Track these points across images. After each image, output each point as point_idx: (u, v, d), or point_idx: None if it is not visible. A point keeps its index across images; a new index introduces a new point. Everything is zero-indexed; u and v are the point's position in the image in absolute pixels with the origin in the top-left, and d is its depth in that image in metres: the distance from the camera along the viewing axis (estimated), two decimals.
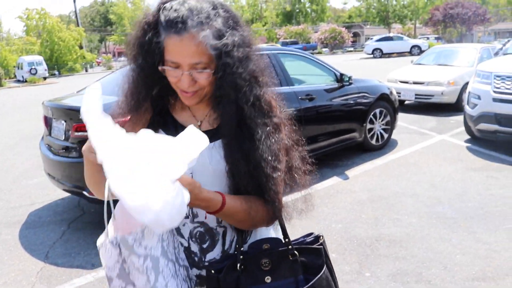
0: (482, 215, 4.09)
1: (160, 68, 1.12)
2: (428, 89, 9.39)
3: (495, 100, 5.94)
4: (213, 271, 1.14)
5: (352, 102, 6.04)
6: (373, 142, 6.47)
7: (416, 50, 33.89)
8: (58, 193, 5.14)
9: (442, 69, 9.91)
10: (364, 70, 20.64)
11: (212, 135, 1.12)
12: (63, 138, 4.16)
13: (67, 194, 4.96)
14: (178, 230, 1.23)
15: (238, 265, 1.14)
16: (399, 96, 8.38)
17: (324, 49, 47.11)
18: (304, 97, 5.33)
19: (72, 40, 40.10)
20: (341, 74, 5.98)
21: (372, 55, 35.42)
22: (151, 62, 1.12)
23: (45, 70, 33.09)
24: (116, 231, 0.99)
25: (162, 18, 1.06)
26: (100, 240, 1.00)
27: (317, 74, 6.06)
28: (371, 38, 40.91)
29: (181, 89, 1.13)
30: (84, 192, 3.90)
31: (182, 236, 1.23)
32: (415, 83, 9.65)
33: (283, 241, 1.21)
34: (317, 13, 64.69)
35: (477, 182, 5.00)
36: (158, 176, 0.87)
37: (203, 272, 1.23)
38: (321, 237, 1.26)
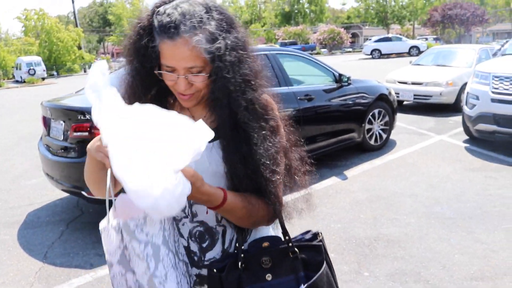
0: (481, 215, 4.10)
1: (156, 72, 1.12)
2: (426, 89, 9.41)
3: (493, 100, 5.95)
4: (215, 270, 1.14)
5: (351, 102, 6.04)
6: (372, 142, 6.48)
7: (414, 51, 33.95)
8: (56, 193, 5.14)
9: (440, 70, 9.93)
10: (363, 70, 20.65)
11: None
12: (62, 138, 4.16)
13: (65, 194, 4.96)
14: (177, 229, 1.23)
15: (240, 263, 1.14)
16: (397, 97, 8.39)
17: (323, 50, 47.14)
18: (303, 98, 5.34)
19: (71, 41, 40.11)
20: (340, 75, 5.99)
21: (370, 56, 35.46)
22: (149, 66, 1.13)
23: (44, 70, 33.08)
24: (118, 218, 1.00)
25: (156, 23, 1.06)
26: (103, 224, 1.00)
27: (316, 74, 6.07)
28: (370, 39, 40.98)
29: (178, 91, 1.13)
30: (83, 192, 3.90)
31: (182, 236, 1.24)
32: (413, 83, 9.67)
33: (283, 239, 1.22)
34: (316, 13, 64.73)
35: (476, 182, 5.01)
36: (161, 164, 0.88)
37: (203, 272, 1.23)
38: (320, 234, 1.26)
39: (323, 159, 5.90)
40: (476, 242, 3.59)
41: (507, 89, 5.83)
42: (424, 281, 3.06)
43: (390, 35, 40.03)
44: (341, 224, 4.06)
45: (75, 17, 49.25)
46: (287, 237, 1.21)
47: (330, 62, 6.78)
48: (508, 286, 2.95)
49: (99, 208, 4.70)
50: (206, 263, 1.23)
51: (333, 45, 48.01)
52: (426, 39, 44.63)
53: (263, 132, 1.12)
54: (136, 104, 0.95)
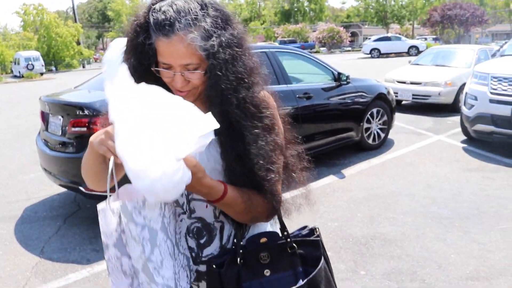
0: (477, 215, 4.11)
1: (153, 69, 1.12)
2: (425, 89, 9.42)
3: (491, 101, 5.96)
4: (214, 266, 1.15)
5: (349, 101, 6.05)
6: (370, 141, 6.48)
7: (414, 51, 33.99)
8: (54, 189, 5.13)
9: (439, 70, 9.94)
10: (362, 70, 20.67)
11: None
12: (60, 133, 4.15)
13: (63, 190, 4.96)
14: None
15: (238, 259, 1.14)
16: (396, 96, 8.40)
17: (322, 48, 47.16)
18: (301, 96, 5.34)
19: (70, 36, 40.05)
20: (339, 73, 5.99)
21: (370, 55, 35.48)
22: (146, 63, 1.13)
23: (42, 65, 33.01)
24: (117, 201, 1.00)
25: (151, 20, 1.06)
26: (101, 205, 1.00)
27: (315, 73, 6.07)
28: (369, 38, 40.97)
29: (175, 88, 1.14)
30: (81, 188, 3.90)
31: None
32: (412, 83, 9.68)
33: (281, 235, 1.22)
34: (316, 12, 64.69)
35: (473, 182, 5.02)
36: (164, 148, 0.89)
37: (200, 268, 1.24)
38: (317, 229, 1.27)
39: (321, 158, 5.91)
40: (472, 242, 3.60)
41: (505, 90, 5.85)
42: (420, 280, 3.07)
43: (389, 35, 40.05)
44: (338, 222, 4.07)
45: (74, 13, 49.18)
46: (285, 233, 1.21)
47: (329, 61, 6.78)
48: (503, 286, 2.96)
49: (96, 204, 4.69)
50: (203, 259, 1.24)
51: (332, 43, 48.03)
52: (426, 39, 44.69)
53: (256, 131, 1.11)
54: (149, 85, 0.96)
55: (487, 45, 14.11)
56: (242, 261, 1.15)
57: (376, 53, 35.17)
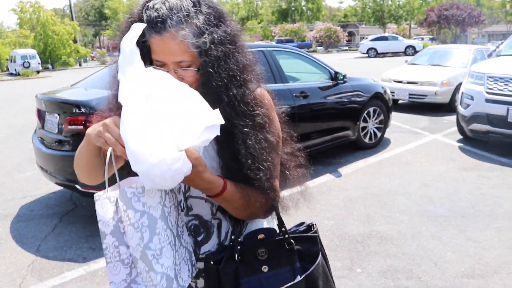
0: (473, 213, 4.13)
1: (147, 67, 1.12)
2: (421, 89, 9.44)
3: (487, 101, 5.99)
4: (212, 263, 1.15)
5: (346, 100, 6.06)
6: (366, 140, 6.50)
7: (410, 50, 34.06)
8: (50, 187, 5.12)
9: (436, 70, 9.97)
10: (359, 69, 20.70)
11: None
12: (56, 131, 4.14)
13: (59, 188, 4.95)
14: None
15: (236, 255, 1.15)
16: (393, 96, 8.41)
17: (319, 48, 47.19)
18: (298, 95, 5.34)
19: (66, 34, 39.88)
20: (336, 72, 5.99)
21: (366, 55, 35.54)
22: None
23: (39, 63, 32.87)
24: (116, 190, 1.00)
25: (145, 18, 1.06)
26: (99, 194, 1.00)
27: (312, 72, 6.08)
28: (366, 38, 41.02)
29: None
30: (77, 186, 3.89)
31: None
32: (409, 82, 9.70)
33: (279, 231, 1.22)
34: (313, 11, 64.74)
35: (469, 181, 5.04)
36: (167, 136, 0.90)
37: (198, 265, 1.24)
38: (314, 225, 1.27)
39: (317, 157, 5.92)
40: (467, 240, 3.62)
41: (501, 90, 5.87)
42: (416, 278, 3.08)
43: (386, 34, 40.12)
44: (335, 221, 4.08)
45: (71, 11, 49.01)
46: (283, 229, 1.22)
47: (326, 60, 6.79)
48: (498, 283, 2.98)
49: (93, 202, 4.67)
50: (201, 256, 1.24)
51: (329, 43, 48.04)
52: (422, 39, 44.76)
53: (246, 129, 1.10)
54: (158, 70, 0.97)
55: (483, 45, 14.16)
56: (240, 257, 1.15)
57: (373, 53, 35.22)
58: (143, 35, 1.08)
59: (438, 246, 3.54)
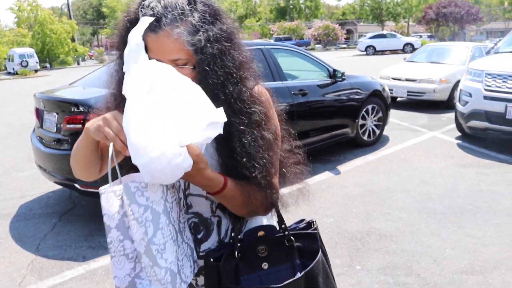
0: (472, 210, 4.14)
1: None
2: (420, 86, 9.45)
3: (486, 98, 6.00)
4: (211, 260, 1.15)
5: (344, 98, 6.06)
6: (365, 138, 6.50)
7: (409, 48, 34.05)
8: (49, 186, 5.12)
9: (434, 67, 9.98)
10: (357, 67, 20.70)
11: None
12: (55, 130, 4.14)
13: (58, 187, 4.94)
14: None
15: (236, 253, 1.15)
16: (391, 93, 8.42)
17: (317, 46, 47.15)
18: (297, 92, 5.35)
19: (64, 33, 39.76)
20: (334, 70, 6.00)
21: (365, 52, 35.52)
22: None
23: (37, 62, 32.77)
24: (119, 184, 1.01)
25: (140, 16, 1.07)
26: (104, 188, 1.00)
27: (310, 69, 6.08)
28: (365, 35, 41.02)
29: None
30: (76, 185, 3.89)
31: None
32: (407, 80, 9.71)
33: (279, 228, 1.23)
34: (311, 9, 64.70)
35: (467, 178, 5.05)
36: (169, 130, 0.90)
37: (198, 262, 1.24)
38: (314, 222, 1.28)
39: (316, 154, 5.93)
40: (466, 236, 3.63)
41: (499, 87, 5.88)
42: (415, 275, 3.09)
43: (384, 32, 40.06)
44: (334, 218, 4.09)
45: (68, 9, 48.87)
46: (283, 225, 1.22)
47: (324, 58, 6.78)
48: (497, 279, 2.99)
49: (92, 201, 4.69)
50: (201, 254, 1.24)
51: (327, 41, 48.00)
52: (421, 36, 44.80)
53: (242, 127, 1.10)
54: (163, 64, 0.97)
55: (481, 43, 14.17)
56: (240, 254, 1.15)
57: (371, 50, 35.21)
58: None
59: (437, 242, 3.55)
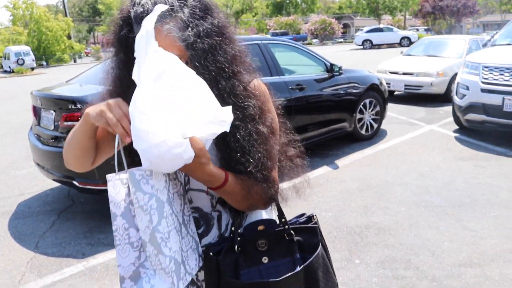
0: (469, 203, 4.16)
1: None
2: (417, 79, 9.46)
3: (483, 90, 6.00)
4: (211, 254, 1.15)
5: (342, 92, 6.06)
6: (363, 132, 6.51)
7: (405, 42, 34.08)
8: (47, 183, 5.11)
9: (431, 60, 9.98)
10: (354, 61, 20.68)
11: None
12: (52, 128, 4.13)
13: (56, 184, 4.94)
14: None
15: (236, 247, 1.15)
16: (388, 87, 8.42)
17: (314, 40, 47.10)
18: (294, 87, 5.34)
19: (60, 30, 39.60)
20: (331, 64, 5.99)
21: (362, 46, 35.53)
22: (132, 57, 1.13)
23: (33, 60, 32.66)
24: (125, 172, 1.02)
25: (132, 14, 1.07)
26: (111, 175, 1.01)
27: (308, 64, 6.07)
28: (361, 29, 40.98)
29: None
30: (74, 182, 3.89)
31: None
32: (404, 74, 9.71)
33: (279, 222, 1.23)
34: (307, 4, 64.50)
35: (465, 171, 5.07)
36: (173, 121, 0.91)
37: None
38: (314, 216, 1.28)
39: (314, 149, 5.93)
40: (464, 229, 3.64)
41: (496, 79, 5.89)
42: (414, 268, 3.10)
43: (381, 26, 40.08)
44: (332, 212, 4.10)
45: (64, 7, 48.65)
46: (283, 219, 1.22)
47: (321, 53, 6.78)
48: (495, 272, 3.01)
49: (91, 198, 4.69)
50: (202, 249, 1.24)
51: (324, 35, 47.96)
52: (417, 29, 44.78)
53: (236, 122, 1.09)
54: (172, 55, 0.98)
55: (478, 35, 14.17)
56: (240, 248, 1.15)
57: (368, 44, 35.21)
58: (132, 30, 1.09)
59: (435, 235, 3.56)
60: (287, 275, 1.13)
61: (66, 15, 44.46)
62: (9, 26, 45.93)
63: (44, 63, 37.35)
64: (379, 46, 35.10)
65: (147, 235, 0.99)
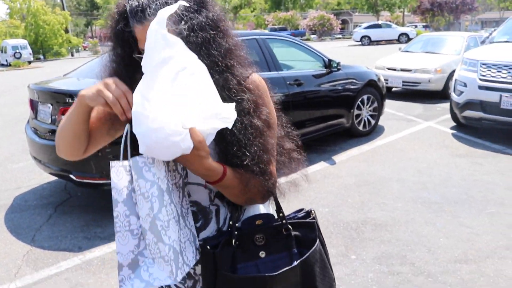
0: (466, 200, 4.17)
1: (135, 56, 1.13)
2: (415, 76, 9.46)
3: (480, 87, 6.01)
4: (208, 247, 1.15)
5: (340, 88, 6.06)
6: (360, 128, 6.51)
7: (404, 38, 34.03)
8: (44, 177, 5.10)
9: (429, 57, 9.98)
10: (352, 57, 20.67)
11: None
12: (50, 121, 4.12)
13: (53, 178, 4.93)
14: None
15: (233, 240, 1.15)
16: (386, 83, 8.43)
17: (312, 36, 47.00)
18: (292, 83, 5.34)
19: (58, 24, 39.42)
20: (330, 60, 5.98)
21: (360, 42, 35.47)
22: (129, 51, 1.13)
23: (30, 54, 32.56)
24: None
25: (127, 8, 1.07)
26: (115, 162, 1.01)
27: (306, 59, 6.06)
28: (360, 26, 40.93)
29: None
30: (71, 176, 3.89)
31: None
32: (402, 70, 9.71)
33: (277, 216, 1.23)
34: None
35: (462, 168, 5.08)
36: (175, 109, 0.92)
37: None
38: (312, 211, 1.28)
39: (311, 144, 5.93)
40: (461, 226, 3.65)
41: (494, 77, 5.89)
42: (410, 264, 3.11)
43: (380, 22, 40.02)
44: (329, 208, 4.10)
45: (62, 0, 48.37)
46: (281, 214, 1.22)
47: (319, 48, 6.77)
48: (491, 268, 3.02)
49: (87, 192, 4.69)
50: (199, 242, 1.24)
51: (323, 31, 47.86)
52: (416, 26, 44.71)
53: None
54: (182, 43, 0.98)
55: (476, 33, 14.17)
56: (237, 242, 1.15)
57: (366, 41, 35.16)
58: (128, 25, 1.09)
59: (431, 232, 3.57)
60: (283, 269, 1.13)
61: (63, 9, 44.25)
62: (6, 19, 45.67)
63: (41, 56, 37.22)
64: (377, 42, 35.06)
65: (147, 223, 0.99)
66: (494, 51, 6.52)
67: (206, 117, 0.95)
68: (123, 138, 1.04)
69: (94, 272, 3.19)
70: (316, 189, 4.56)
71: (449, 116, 7.15)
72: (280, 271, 1.12)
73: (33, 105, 4.48)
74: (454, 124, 7.00)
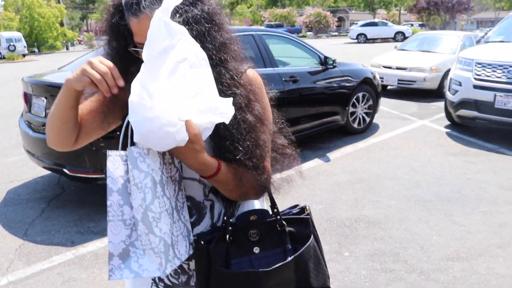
0: (459, 198, 4.19)
1: (130, 49, 1.12)
2: (410, 74, 9.49)
3: (475, 87, 6.03)
4: (202, 242, 1.15)
5: (335, 85, 6.06)
6: (355, 125, 6.52)
7: (400, 36, 34.14)
8: (37, 171, 5.07)
9: (425, 56, 10.01)
10: (348, 54, 20.68)
11: None
12: (43, 115, 4.09)
13: (47, 172, 4.91)
14: None
15: (227, 236, 1.15)
16: (382, 81, 8.44)
17: (308, 33, 46.99)
18: (288, 79, 5.33)
19: (53, 17, 39.13)
20: (325, 57, 5.98)
21: (356, 40, 35.53)
22: (124, 44, 1.13)
23: (24, 47, 32.32)
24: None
25: (123, 1, 1.07)
26: (112, 151, 1.01)
27: (302, 56, 6.06)
28: (356, 23, 40.96)
29: None
30: (65, 170, 3.87)
31: None
32: (398, 68, 9.73)
33: (271, 212, 1.23)
34: None
35: (455, 166, 5.10)
36: (172, 100, 0.91)
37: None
38: (307, 208, 1.28)
39: (306, 141, 5.94)
40: (453, 224, 3.67)
41: (489, 76, 5.92)
42: (403, 261, 3.13)
43: (376, 20, 40.15)
44: (323, 205, 4.11)
45: None
46: (275, 209, 1.22)
47: (315, 46, 6.76)
48: (482, 266, 3.04)
49: (81, 186, 4.67)
50: (194, 238, 1.23)
51: (319, 28, 47.86)
52: (412, 25, 44.80)
53: None
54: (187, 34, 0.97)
55: (472, 32, 14.22)
56: (231, 238, 1.15)
57: (362, 38, 35.23)
58: (123, 18, 1.08)
59: (424, 230, 3.59)
60: (277, 265, 1.13)
61: (59, 2, 43.96)
62: (0, 12, 45.27)
63: (36, 50, 36.92)
64: (373, 40, 35.13)
65: (139, 213, 0.99)
66: (489, 50, 6.55)
67: (204, 111, 0.95)
68: (123, 128, 1.04)
69: (87, 267, 3.18)
70: (310, 186, 4.56)
71: (443, 114, 7.18)
72: (274, 266, 1.12)
73: (27, 98, 4.45)
74: (448, 123, 7.03)
